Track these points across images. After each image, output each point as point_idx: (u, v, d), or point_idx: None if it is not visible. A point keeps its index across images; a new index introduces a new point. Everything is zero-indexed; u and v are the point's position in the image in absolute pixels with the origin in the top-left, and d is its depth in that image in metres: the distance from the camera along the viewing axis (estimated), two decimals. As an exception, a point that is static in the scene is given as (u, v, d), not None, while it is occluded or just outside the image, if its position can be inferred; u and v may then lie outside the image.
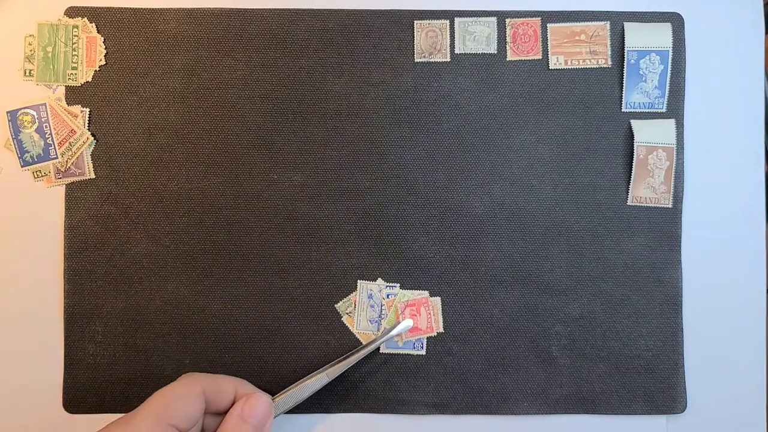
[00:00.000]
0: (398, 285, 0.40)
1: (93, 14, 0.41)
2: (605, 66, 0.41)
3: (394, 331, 0.39)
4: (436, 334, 0.40)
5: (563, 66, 0.41)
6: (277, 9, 0.41)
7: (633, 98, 0.41)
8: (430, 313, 0.40)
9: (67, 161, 0.40)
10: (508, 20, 0.41)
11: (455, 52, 0.41)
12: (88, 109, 0.40)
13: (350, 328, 0.40)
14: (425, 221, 0.40)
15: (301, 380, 0.38)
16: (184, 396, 0.32)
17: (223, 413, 0.34)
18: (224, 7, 0.41)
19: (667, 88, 0.41)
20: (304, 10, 0.41)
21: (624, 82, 0.41)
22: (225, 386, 0.34)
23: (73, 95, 0.40)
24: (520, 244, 0.40)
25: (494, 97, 0.41)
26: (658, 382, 0.40)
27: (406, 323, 0.39)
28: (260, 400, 0.34)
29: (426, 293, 0.40)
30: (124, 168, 0.40)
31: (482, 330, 0.40)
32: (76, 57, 0.40)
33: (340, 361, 0.38)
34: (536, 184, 0.41)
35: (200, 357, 0.40)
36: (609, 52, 0.41)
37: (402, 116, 0.41)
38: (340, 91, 0.41)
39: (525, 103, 0.41)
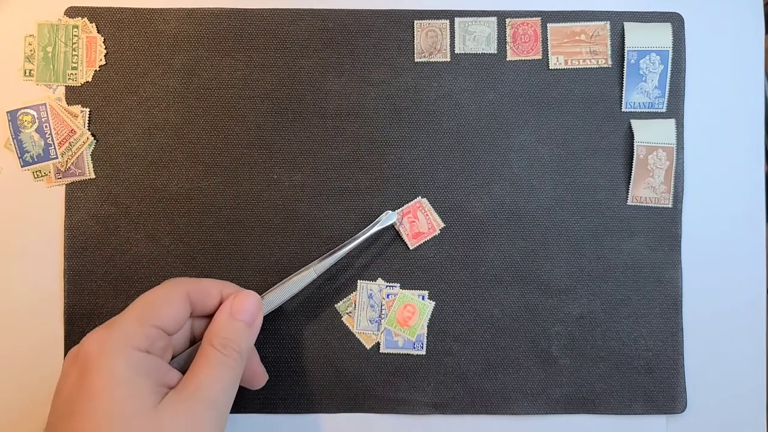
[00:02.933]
0: (398, 285, 0.40)
1: (93, 14, 0.41)
2: (605, 66, 0.41)
3: (377, 226, 0.38)
4: (439, 232, 0.40)
5: (563, 66, 0.41)
6: (277, 9, 0.41)
7: (633, 98, 0.41)
8: (426, 214, 0.39)
9: (67, 161, 0.40)
10: (508, 20, 0.41)
11: (455, 52, 0.41)
12: (88, 109, 0.40)
13: (350, 328, 0.40)
14: (425, 221, 0.40)
15: (288, 277, 0.37)
16: (168, 298, 0.32)
17: (209, 316, 0.34)
18: (224, 7, 0.41)
19: (667, 88, 0.41)
20: (304, 10, 0.41)
21: (624, 82, 0.41)
22: (210, 288, 0.33)
23: (73, 95, 0.40)
24: (520, 244, 0.40)
25: (494, 97, 0.41)
26: (658, 382, 0.40)
27: (388, 216, 0.39)
28: (249, 297, 0.34)
29: (418, 198, 0.40)
30: (124, 168, 0.40)
31: (482, 330, 0.40)
32: (76, 57, 0.40)
33: (326, 257, 0.37)
34: (536, 184, 0.41)
35: (200, 357, 0.40)
36: (609, 52, 0.41)
37: (402, 116, 0.41)
38: (340, 91, 0.41)
39: (525, 103, 0.41)
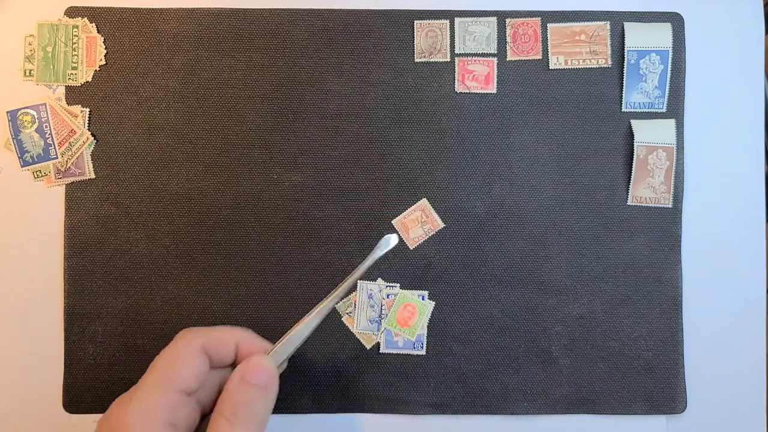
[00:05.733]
0: (398, 285, 0.40)
1: (93, 14, 0.41)
2: (605, 66, 0.41)
3: (378, 252, 0.35)
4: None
5: (563, 66, 0.41)
6: (277, 9, 0.41)
7: (633, 98, 0.41)
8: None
9: (67, 161, 0.40)
10: (508, 20, 0.41)
11: (455, 52, 0.41)
12: (88, 109, 0.40)
13: (350, 328, 0.40)
14: (425, 221, 0.40)
15: (291, 328, 0.34)
16: (186, 356, 0.30)
17: (226, 366, 0.33)
18: (224, 7, 0.41)
19: (667, 88, 0.41)
20: (304, 10, 0.41)
21: (624, 82, 0.41)
22: (224, 337, 0.32)
23: (73, 95, 0.40)
24: (520, 244, 0.40)
25: (494, 97, 0.41)
26: (658, 382, 0.40)
27: (389, 239, 0.35)
28: (262, 358, 0.32)
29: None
30: (124, 168, 0.40)
31: (482, 330, 0.40)
32: (76, 57, 0.40)
33: (327, 300, 0.35)
34: (536, 184, 0.41)
35: (200, 357, 0.40)
36: (609, 52, 0.41)
37: (402, 116, 0.41)
38: (340, 91, 0.41)
39: (525, 103, 0.41)
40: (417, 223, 0.40)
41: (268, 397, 0.31)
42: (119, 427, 0.28)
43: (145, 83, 0.41)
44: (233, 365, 0.33)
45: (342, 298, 0.36)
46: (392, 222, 0.40)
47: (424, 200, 0.40)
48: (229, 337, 0.32)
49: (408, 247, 0.40)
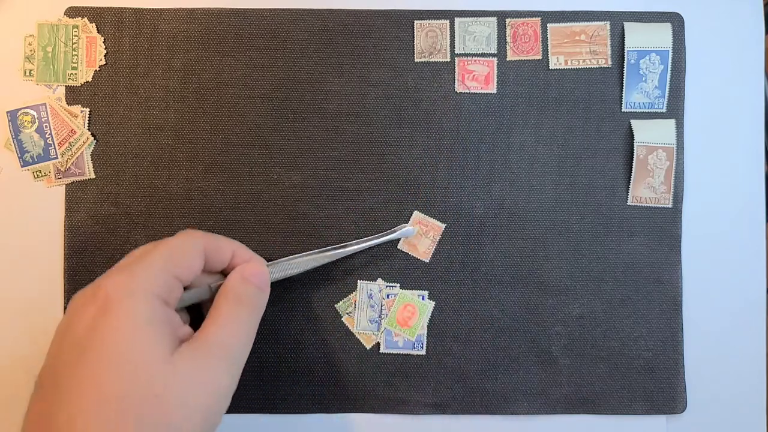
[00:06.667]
0: (398, 285, 0.40)
1: (93, 14, 0.41)
2: (605, 66, 0.41)
3: (394, 235, 0.39)
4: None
5: (563, 66, 0.41)
6: (277, 9, 0.41)
7: (633, 98, 0.41)
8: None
9: (67, 161, 0.40)
10: (508, 20, 0.41)
11: (455, 52, 0.41)
12: (88, 109, 0.40)
13: (350, 328, 0.40)
14: (425, 221, 0.40)
15: (292, 256, 0.38)
16: (187, 248, 0.32)
17: (217, 272, 0.35)
18: (224, 7, 0.41)
19: (667, 88, 0.41)
20: (304, 10, 0.41)
21: (624, 82, 0.41)
22: (223, 245, 0.34)
23: (73, 95, 0.40)
24: (520, 244, 0.40)
25: (494, 97, 0.41)
26: (658, 382, 0.40)
27: (407, 230, 0.40)
28: (260, 264, 0.35)
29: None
30: (124, 168, 0.40)
31: (482, 330, 0.40)
32: (76, 57, 0.40)
33: (335, 249, 0.38)
34: (536, 184, 0.41)
35: (200, 357, 0.40)
36: (609, 52, 0.41)
37: (402, 116, 0.41)
38: (340, 91, 0.41)
39: (525, 103, 0.41)
40: (421, 236, 0.40)
41: (263, 296, 0.34)
42: (117, 295, 0.28)
43: (145, 83, 0.41)
44: (222, 273, 0.35)
45: (341, 257, 0.39)
46: (398, 247, 0.40)
47: (416, 212, 0.40)
48: (227, 246, 0.34)
49: (424, 261, 0.40)
